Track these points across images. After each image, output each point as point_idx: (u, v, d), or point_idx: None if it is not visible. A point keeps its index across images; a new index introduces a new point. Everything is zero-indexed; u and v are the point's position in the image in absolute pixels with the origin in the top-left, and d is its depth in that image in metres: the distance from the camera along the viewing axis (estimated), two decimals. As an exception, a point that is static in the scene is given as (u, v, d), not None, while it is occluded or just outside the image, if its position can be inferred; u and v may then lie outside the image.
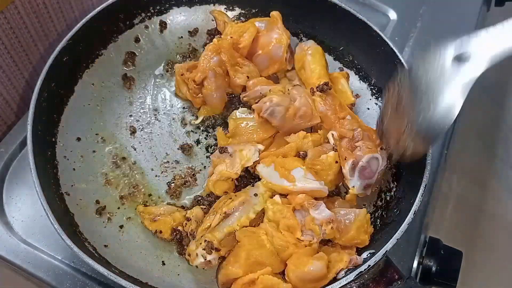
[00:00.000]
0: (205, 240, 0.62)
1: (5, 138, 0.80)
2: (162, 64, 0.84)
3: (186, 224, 0.67)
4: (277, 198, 0.68)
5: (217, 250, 0.63)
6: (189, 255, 0.64)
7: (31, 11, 0.78)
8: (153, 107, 0.80)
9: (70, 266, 0.69)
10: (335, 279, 0.61)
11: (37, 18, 0.80)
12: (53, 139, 0.71)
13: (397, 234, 0.62)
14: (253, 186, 0.69)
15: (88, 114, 0.76)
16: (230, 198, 0.67)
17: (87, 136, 0.75)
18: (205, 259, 0.62)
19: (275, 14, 0.81)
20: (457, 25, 1.02)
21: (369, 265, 0.60)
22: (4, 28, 0.74)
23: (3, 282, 0.81)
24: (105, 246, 0.66)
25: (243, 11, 0.88)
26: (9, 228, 0.71)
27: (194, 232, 0.66)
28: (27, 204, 0.73)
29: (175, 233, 0.67)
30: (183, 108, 0.81)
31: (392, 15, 1.03)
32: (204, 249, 0.62)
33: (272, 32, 0.80)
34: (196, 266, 0.64)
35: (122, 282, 0.57)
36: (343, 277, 0.60)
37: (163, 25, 0.85)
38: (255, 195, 0.68)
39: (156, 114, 0.80)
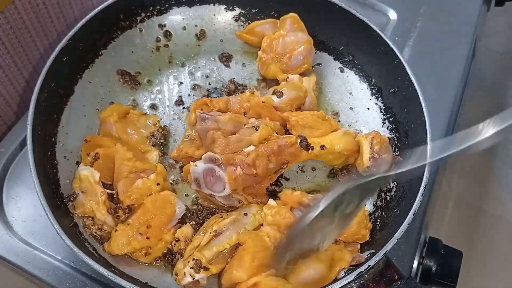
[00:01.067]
0: (193, 259, 0.61)
1: (5, 138, 0.80)
2: (163, 64, 0.84)
3: (175, 244, 0.66)
4: (271, 202, 0.68)
5: (206, 269, 0.62)
6: (177, 274, 0.62)
7: (31, 11, 0.78)
8: (153, 107, 0.81)
9: (70, 266, 0.69)
10: (335, 279, 0.61)
11: (37, 18, 0.80)
12: (53, 139, 0.71)
13: (397, 234, 0.62)
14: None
15: (88, 114, 0.76)
16: (221, 217, 0.67)
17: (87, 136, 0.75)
18: (193, 279, 0.61)
19: (295, 16, 0.82)
20: (457, 25, 1.02)
21: (369, 265, 0.60)
22: (4, 28, 0.74)
23: (3, 282, 0.81)
24: (105, 246, 0.66)
25: (243, 11, 0.88)
26: (9, 228, 0.71)
27: (182, 251, 0.65)
28: (27, 204, 0.73)
29: (167, 257, 0.66)
30: (183, 108, 0.81)
31: (392, 15, 1.03)
32: (192, 268, 0.61)
33: (298, 33, 0.82)
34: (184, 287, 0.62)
35: (122, 282, 0.57)
36: (343, 277, 0.60)
37: (163, 25, 0.85)
38: (246, 214, 0.67)
39: (156, 114, 0.80)
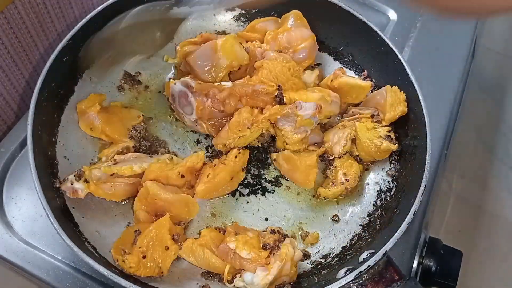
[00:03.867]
0: (80, 169, 0.67)
1: (5, 138, 0.80)
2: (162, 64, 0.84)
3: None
4: None
5: (86, 181, 0.66)
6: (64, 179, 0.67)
7: (31, 11, 0.78)
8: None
9: (70, 266, 0.69)
10: (335, 279, 0.61)
11: (37, 18, 0.80)
12: (53, 139, 0.71)
13: (397, 234, 0.62)
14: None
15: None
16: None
17: (87, 136, 0.75)
18: (71, 184, 0.65)
19: (298, 12, 0.83)
20: (457, 25, 1.02)
21: (369, 265, 0.60)
22: (4, 28, 0.74)
23: (3, 282, 0.81)
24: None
25: (243, 12, 0.88)
26: (9, 228, 0.71)
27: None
28: (27, 204, 0.73)
29: None
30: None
31: (392, 15, 1.03)
32: (74, 175, 0.66)
33: (302, 29, 0.82)
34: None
35: (122, 282, 0.58)
36: (343, 277, 0.60)
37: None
38: (151, 156, 0.73)
39: (156, 114, 0.80)
